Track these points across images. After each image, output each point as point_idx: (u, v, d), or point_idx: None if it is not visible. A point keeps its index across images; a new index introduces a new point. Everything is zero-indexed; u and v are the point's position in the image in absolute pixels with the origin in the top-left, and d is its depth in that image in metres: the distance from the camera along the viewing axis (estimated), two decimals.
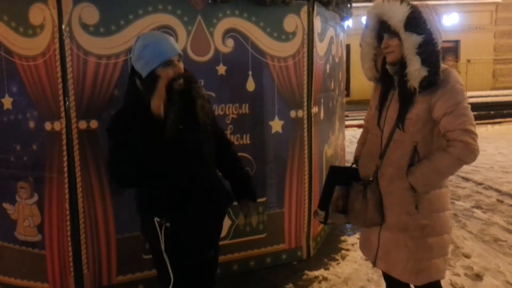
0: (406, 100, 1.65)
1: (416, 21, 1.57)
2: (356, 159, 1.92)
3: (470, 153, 1.60)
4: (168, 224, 1.66)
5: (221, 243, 2.68)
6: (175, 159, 1.64)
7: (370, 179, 1.76)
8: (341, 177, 1.87)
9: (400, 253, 1.71)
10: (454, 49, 16.27)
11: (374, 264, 1.83)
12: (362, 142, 1.97)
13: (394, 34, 1.61)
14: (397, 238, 1.71)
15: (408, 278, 1.72)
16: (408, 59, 1.59)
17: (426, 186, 1.66)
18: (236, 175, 1.95)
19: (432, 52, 1.57)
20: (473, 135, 1.59)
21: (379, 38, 1.70)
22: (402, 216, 1.69)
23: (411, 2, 1.61)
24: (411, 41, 1.57)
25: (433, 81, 1.58)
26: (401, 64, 1.64)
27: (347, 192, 1.82)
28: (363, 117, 2.11)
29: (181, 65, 1.66)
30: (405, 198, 1.68)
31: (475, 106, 11.68)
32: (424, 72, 1.56)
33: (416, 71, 1.57)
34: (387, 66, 1.71)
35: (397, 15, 1.59)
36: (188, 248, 1.71)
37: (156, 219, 1.67)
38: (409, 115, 1.64)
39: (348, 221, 1.87)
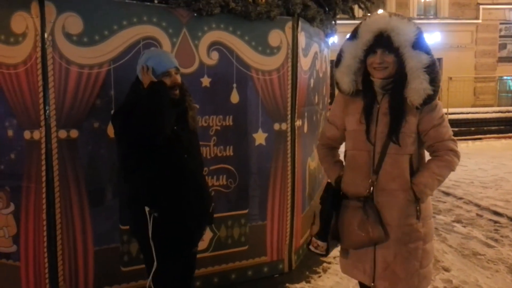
0: (400, 114, 1.68)
1: (423, 41, 1.64)
2: (339, 180, 1.84)
3: (457, 159, 1.75)
4: (156, 214, 1.84)
5: (202, 255, 2.68)
6: (171, 153, 1.89)
7: (365, 195, 1.71)
8: (334, 200, 1.78)
9: (404, 266, 1.70)
10: None
11: (373, 284, 1.75)
12: (335, 161, 1.91)
13: (392, 50, 1.64)
14: (399, 252, 1.70)
15: None
16: (413, 77, 1.62)
17: (429, 195, 1.74)
18: None
19: (438, 72, 1.66)
20: (456, 143, 1.75)
21: (367, 52, 1.70)
22: (405, 229, 1.71)
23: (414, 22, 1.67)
24: (420, 59, 1.61)
25: (434, 99, 1.66)
26: (395, 80, 1.67)
27: (335, 214, 1.76)
28: None
29: (178, 78, 1.97)
30: (409, 210, 1.70)
31: (456, 122, 11.97)
32: (430, 91, 1.62)
33: (422, 89, 1.62)
34: (375, 80, 1.70)
35: (407, 33, 1.62)
36: (173, 238, 1.90)
37: (147, 208, 1.85)
38: (403, 129, 1.68)
39: (340, 245, 1.80)
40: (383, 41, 1.65)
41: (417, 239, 1.71)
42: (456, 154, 1.73)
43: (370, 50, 1.69)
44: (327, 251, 1.78)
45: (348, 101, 1.81)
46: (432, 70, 1.62)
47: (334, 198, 1.78)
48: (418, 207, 1.71)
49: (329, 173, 1.94)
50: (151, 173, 1.88)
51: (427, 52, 1.62)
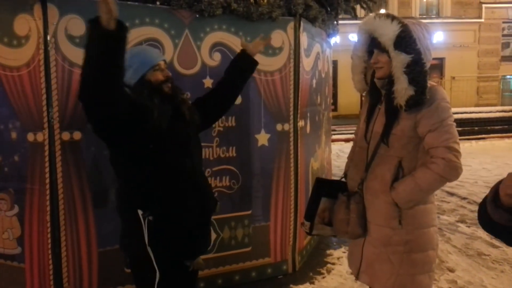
0: (392, 115, 1.67)
1: (405, 40, 1.58)
2: (346, 173, 1.92)
3: (452, 170, 1.60)
4: (151, 218, 1.63)
5: (205, 256, 2.67)
6: (165, 149, 1.68)
7: (355, 191, 1.77)
8: (327, 189, 1.88)
9: (383, 267, 1.71)
10: (439, 66, 16.64)
11: (357, 277, 1.83)
12: (351, 158, 1.96)
13: (384, 50, 1.64)
14: (380, 252, 1.72)
15: None
16: (396, 77, 1.61)
17: (409, 202, 1.66)
18: (229, 70, 2.12)
19: (420, 72, 1.59)
20: (456, 152, 1.59)
21: (370, 52, 1.73)
22: (385, 230, 1.70)
23: (402, 20, 1.62)
24: (399, 60, 1.58)
25: (420, 100, 1.60)
26: (389, 80, 1.66)
27: (333, 204, 1.83)
28: (350, 131, 2.15)
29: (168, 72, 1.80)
30: (389, 213, 1.69)
31: (459, 122, 11.87)
32: (410, 91, 1.58)
33: (403, 89, 1.59)
34: (375, 80, 1.73)
35: (387, 33, 1.60)
36: (172, 242, 1.69)
37: (140, 212, 1.64)
38: (394, 131, 1.66)
39: (334, 233, 1.87)
40: (375, 42, 1.67)
41: (396, 244, 1.68)
42: (448, 163, 1.57)
43: (371, 50, 1.72)
44: (311, 230, 1.87)
45: (366, 99, 1.88)
46: (412, 70, 1.57)
47: (318, 185, 1.91)
48: (399, 212, 1.67)
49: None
50: (143, 171, 1.67)
51: (408, 51, 1.57)
